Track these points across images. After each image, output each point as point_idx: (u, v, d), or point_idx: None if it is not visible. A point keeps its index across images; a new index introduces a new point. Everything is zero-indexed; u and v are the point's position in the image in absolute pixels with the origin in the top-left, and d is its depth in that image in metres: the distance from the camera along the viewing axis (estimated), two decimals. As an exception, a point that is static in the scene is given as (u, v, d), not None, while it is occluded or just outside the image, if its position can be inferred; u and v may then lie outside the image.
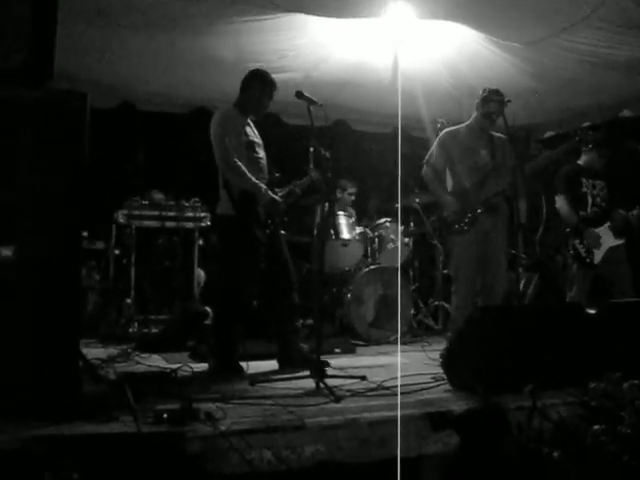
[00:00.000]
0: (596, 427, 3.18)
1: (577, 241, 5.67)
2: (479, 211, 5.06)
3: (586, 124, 7.55)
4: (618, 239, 5.65)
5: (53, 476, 2.57)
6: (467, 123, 5.30)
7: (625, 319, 4.16)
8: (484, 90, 5.14)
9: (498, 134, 5.29)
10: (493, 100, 5.07)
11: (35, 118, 3.07)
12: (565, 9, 4.78)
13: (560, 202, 5.81)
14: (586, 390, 3.50)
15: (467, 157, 5.18)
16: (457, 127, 5.32)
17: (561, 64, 5.86)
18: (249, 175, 4.42)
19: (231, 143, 4.42)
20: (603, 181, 5.84)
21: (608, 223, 5.66)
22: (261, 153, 4.69)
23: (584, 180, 5.79)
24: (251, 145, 4.57)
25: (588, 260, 5.62)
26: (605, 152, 5.80)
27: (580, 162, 5.87)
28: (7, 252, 3.02)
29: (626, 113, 6.87)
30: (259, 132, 4.80)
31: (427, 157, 5.34)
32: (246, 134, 4.58)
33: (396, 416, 3.19)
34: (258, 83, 4.64)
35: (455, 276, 5.23)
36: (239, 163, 4.39)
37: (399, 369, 4.16)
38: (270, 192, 4.53)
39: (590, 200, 5.77)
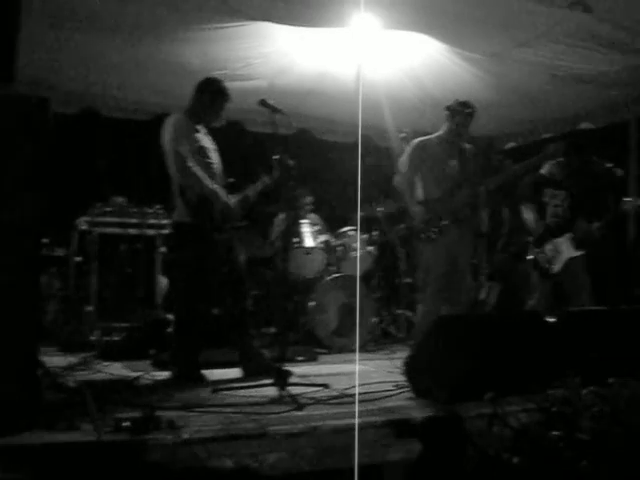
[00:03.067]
0: (555, 433, 3.22)
1: (538, 250, 5.74)
2: (447, 222, 5.11)
3: (546, 136, 7.71)
4: (578, 250, 5.72)
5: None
6: (438, 134, 5.34)
7: (583, 327, 4.23)
8: (454, 102, 5.19)
9: (469, 145, 5.36)
10: (461, 112, 5.14)
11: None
12: (528, 22, 4.86)
13: (526, 211, 5.88)
14: (546, 397, 3.55)
15: (437, 167, 5.23)
16: (428, 137, 5.36)
17: (523, 76, 5.97)
18: (206, 179, 4.39)
19: (184, 149, 4.38)
20: (565, 191, 5.92)
21: (569, 234, 5.73)
22: (213, 158, 4.65)
23: (545, 190, 5.85)
24: (202, 150, 4.52)
25: (547, 269, 5.69)
26: (567, 163, 5.86)
27: (542, 172, 5.94)
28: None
29: (585, 125, 7.01)
30: (222, 140, 4.77)
31: (398, 166, 5.39)
32: (196, 140, 4.52)
33: (359, 423, 3.20)
34: (208, 91, 4.60)
35: (422, 285, 5.27)
36: (194, 168, 4.35)
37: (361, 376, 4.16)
38: (226, 197, 4.49)
39: (549, 210, 5.82)
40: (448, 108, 5.23)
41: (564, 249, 5.68)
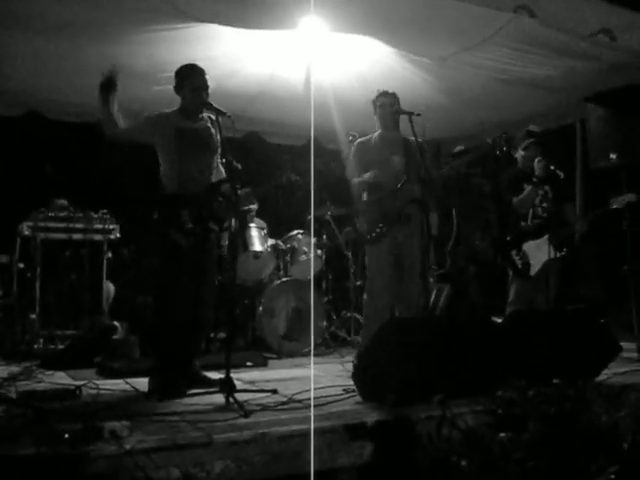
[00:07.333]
0: (502, 435, 3.24)
1: (514, 251, 5.67)
2: (392, 220, 5.01)
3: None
4: (557, 252, 5.58)
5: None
6: (378, 131, 5.26)
7: (530, 328, 4.27)
8: (376, 94, 5.19)
9: (412, 138, 5.33)
10: (382, 100, 5.13)
11: None
12: (474, 27, 4.91)
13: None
14: (493, 399, 3.57)
15: (380, 165, 5.11)
16: (369, 136, 5.29)
17: (470, 80, 6.02)
18: None
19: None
20: (548, 188, 5.77)
21: (548, 235, 5.61)
22: (201, 160, 4.44)
23: (526, 186, 5.72)
24: (177, 146, 4.34)
25: (524, 271, 5.62)
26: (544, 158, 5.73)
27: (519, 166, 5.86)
28: None
29: (533, 128, 7.10)
30: None
31: (347, 171, 5.32)
32: (182, 137, 4.34)
33: (307, 429, 3.17)
34: (183, 80, 4.44)
35: (368, 286, 5.18)
36: None
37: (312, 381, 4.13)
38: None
39: (531, 211, 5.74)
40: (372, 102, 5.23)
41: (543, 251, 5.60)
